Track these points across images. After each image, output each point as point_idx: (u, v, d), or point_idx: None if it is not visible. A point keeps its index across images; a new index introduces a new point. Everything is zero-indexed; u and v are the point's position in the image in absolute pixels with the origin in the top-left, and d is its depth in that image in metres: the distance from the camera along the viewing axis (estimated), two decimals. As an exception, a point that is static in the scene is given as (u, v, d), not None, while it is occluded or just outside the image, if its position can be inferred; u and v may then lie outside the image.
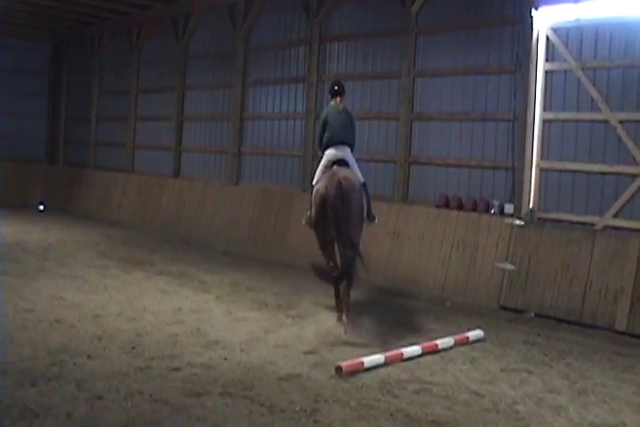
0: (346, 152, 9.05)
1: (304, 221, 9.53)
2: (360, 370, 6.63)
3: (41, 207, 21.09)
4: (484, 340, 8.18)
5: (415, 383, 6.44)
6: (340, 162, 8.94)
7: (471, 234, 10.79)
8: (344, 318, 8.34)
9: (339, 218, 8.19)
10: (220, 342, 7.38)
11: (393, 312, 9.51)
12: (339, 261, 8.59)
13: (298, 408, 5.61)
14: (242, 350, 7.14)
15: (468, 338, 8.09)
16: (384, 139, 12.86)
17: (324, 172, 8.96)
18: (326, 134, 9.13)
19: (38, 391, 5.63)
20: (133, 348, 7.00)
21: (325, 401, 5.82)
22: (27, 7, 19.82)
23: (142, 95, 19.58)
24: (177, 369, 6.39)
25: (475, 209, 11.11)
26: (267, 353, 7.13)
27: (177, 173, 17.79)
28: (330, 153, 9.05)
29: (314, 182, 9.13)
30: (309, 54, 14.21)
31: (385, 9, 12.88)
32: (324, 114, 9.36)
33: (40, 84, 24.03)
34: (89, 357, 6.61)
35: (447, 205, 11.50)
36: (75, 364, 6.37)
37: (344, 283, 8.44)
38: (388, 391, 6.16)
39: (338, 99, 9.37)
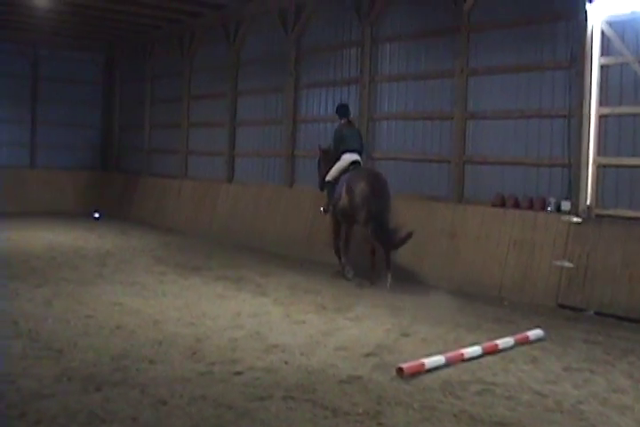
0: (358, 157, 12.10)
1: (322, 210, 12.49)
2: (421, 371, 6.60)
3: (96, 215, 21.41)
4: (544, 339, 8.10)
5: (477, 384, 6.40)
6: (357, 163, 12.04)
7: (528, 232, 10.69)
8: (388, 275, 11.03)
9: (378, 205, 11.05)
10: (279, 346, 7.41)
11: (451, 313, 9.46)
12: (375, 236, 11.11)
13: (361, 411, 5.61)
14: (302, 354, 7.16)
15: (528, 337, 8.00)
16: (438, 139, 12.81)
17: (345, 171, 11.87)
18: (343, 144, 12.10)
19: (103, 397, 5.71)
20: (194, 353, 7.06)
21: (388, 403, 5.82)
22: (80, 19, 20.22)
23: (194, 102, 19.78)
24: (239, 373, 6.43)
25: (531, 207, 11.00)
26: (327, 356, 7.14)
27: (231, 177, 17.92)
28: (347, 157, 12.04)
29: (329, 179, 12.11)
30: (361, 56, 14.22)
31: (436, 8, 12.83)
32: (339, 129, 12.43)
33: (94, 94, 24.47)
34: (151, 362, 6.69)
35: (503, 203, 11.40)
36: (137, 369, 6.45)
37: (385, 249, 11.17)
38: (450, 393, 6.13)
39: (345, 119, 12.51)
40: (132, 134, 23.15)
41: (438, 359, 6.87)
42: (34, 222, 19.27)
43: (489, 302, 10.40)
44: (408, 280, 11.71)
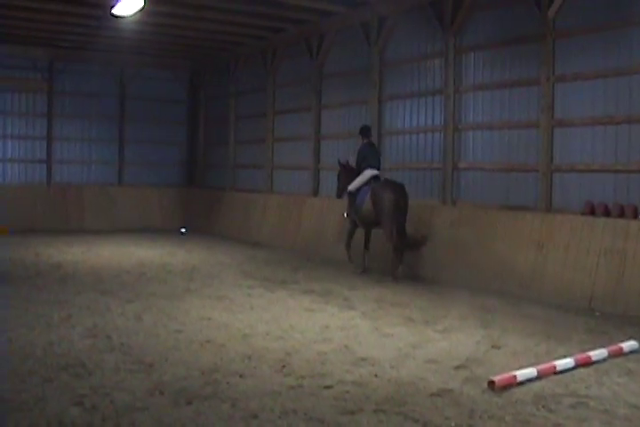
0: (377, 172, 13.83)
1: (345, 214, 14.28)
2: (513, 384, 6.50)
3: (183, 230, 21.76)
4: (639, 351, 7.91)
5: (571, 397, 6.26)
6: (378, 177, 13.76)
7: (619, 241, 10.42)
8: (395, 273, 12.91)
9: (400, 211, 12.93)
10: (368, 359, 7.39)
11: (541, 324, 9.31)
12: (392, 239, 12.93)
13: (453, 424, 5.55)
14: (391, 367, 7.12)
15: (622, 349, 7.80)
16: (524, 147, 12.65)
17: (367, 183, 13.61)
18: (365, 161, 13.83)
19: (195, 410, 5.77)
20: (284, 366, 7.10)
21: (480, 417, 5.74)
22: (164, 38, 20.69)
23: (279, 116, 19.97)
24: (328, 387, 6.43)
25: (622, 215, 10.73)
26: (417, 369, 7.09)
27: (316, 191, 18.01)
28: (368, 172, 13.74)
29: (351, 189, 13.86)
30: (445, 66, 14.16)
31: (520, 15, 12.69)
32: (362, 148, 14.02)
33: (179, 112, 25.01)
34: (241, 376, 6.74)
35: (592, 212, 11.14)
36: (228, 383, 6.50)
37: (398, 252, 13.01)
38: (543, 406, 6.01)
39: (367, 139, 14.12)
40: (218, 150, 23.49)
41: (530, 372, 6.75)
42: (122, 238, 19.74)
43: (579, 313, 10.19)
44: (495, 291, 11.59)
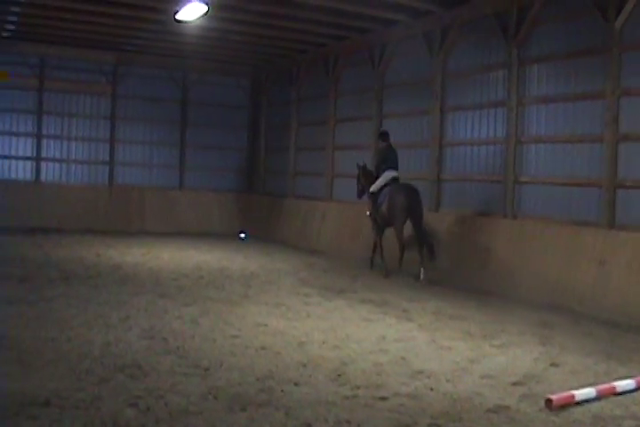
0: (396, 173, 14.88)
1: (368, 213, 15.27)
2: (571, 404, 6.37)
3: (242, 236, 21.87)
4: None
5: (631, 420, 6.10)
6: (397, 178, 14.83)
7: (685, 260, 10.21)
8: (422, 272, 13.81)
9: (417, 210, 14.05)
10: (425, 372, 7.32)
11: (601, 343, 9.15)
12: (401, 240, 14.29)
13: (509, 442, 5.48)
14: (448, 381, 7.04)
15: (686, 372, 7.63)
16: (587, 162, 12.44)
17: (387, 184, 14.65)
18: (385, 163, 14.90)
19: (248, 417, 5.76)
20: (339, 376, 7.06)
21: (537, 436, 5.66)
22: (227, 44, 20.87)
23: (340, 125, 19.96)
24: (383, 399, 6.37)
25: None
26: (473, 384, 7.00)
27: (375, 200, 17.95)
28: (388, 173, 14.82)
29: (373, 190, 14.90)
30: (508, 77, 14.01)
31: (586, 26, 12.48)
32: (382, 150, 15.20)
33: (241, 118, 25.17)
34: (296, 384, 6.72)
35: (659, 229, 10.96)
36: (282, 391, 6.49)
37: (424, 248, 14.04)
38: (602, 427, 5.91)
39: (386, 143, 15.14)
40: (278, 157, 23.57)
41: (589, 392, 6.61)
42: (182, 242, 19.92)
43: (643, 332, 10.00)
44: (554, 307, 11.43)
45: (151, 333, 8.63)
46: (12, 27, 19.93)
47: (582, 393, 6.55)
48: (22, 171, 22.41)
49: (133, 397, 6.10)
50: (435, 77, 15.97)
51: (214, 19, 16.92)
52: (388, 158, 15.04)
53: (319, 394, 6.46)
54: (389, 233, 14.86)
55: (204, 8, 15.18)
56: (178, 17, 16.15)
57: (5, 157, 22.18)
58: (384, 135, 15.40)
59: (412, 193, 14.15)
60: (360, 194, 15.78)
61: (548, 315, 10.86)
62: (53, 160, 22.75)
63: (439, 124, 15.85)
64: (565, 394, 6.47)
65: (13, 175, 22.29)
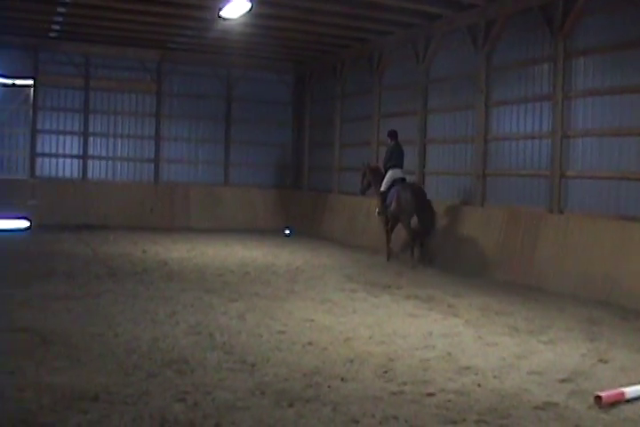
0: (400, 172, 16.00)
1: (377, 211, 16.45)
2: (620, 401, 6.27)
3: (287, 232, 21.91)
4: None
5: (684, 418, 6.04)
6: (404, 179, 15.97)
7: None
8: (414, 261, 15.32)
9: (424, 207, 15.52)
10: (472, 368, 7.27)
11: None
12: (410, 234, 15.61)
13: (558, 439, 5.42)
14: (495, 377, 6.98)
15: None
16: (636, 155, 12.21)
17: (393, 183, 15.79)
18: (390, 161, 16.02)
19: (296, 412, 5.77)
20: (385, 372, 7.04)
21: (586, 433, 5.59)
22: (271, 41, 20.92)
23: (384, 120, 19.89)
24: (430, 395, 6.34)
25: None
26: (520, 380, 6.93)
27: (420, 196, 17.87)
28: (394, 171, 15.94)
29: (383, 188, 15.95)
30: (554, 70, 13.85)
31: (633, 17, 12.26)
32: (390, 148, 16.20)
33: (285, 113, 25.22)
34: (343, 380, 6.71)
35: None
36: (329, 386, 6.49)
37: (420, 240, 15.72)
38: (653, 426, 5.82)
39: (394, 141, 16.21)
40: (322, 153, 23.56)
41: (639, 389, 6.53)
42: (227, 238, 20.02)
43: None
44: (602, 302, 11.29)
45: (198, 328, 8.68)
46: (57, 27, 20.19)
47: (633, 391, 6.44)
48: (69, 169, 22.72)
49: (181, 392, 6.15)
50: (479, 71, 15.84)
51: (258, 15, 16.96)
52: (393, 156, 16.09)
53: (366, 390, 6.45)
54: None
55: (248, 5, 15.23)
56: (222, 14, 16.23)
57: (53, 156, 22.51)
58: (392, 134, 16.43)
59: (417, 192, 15.55)
60: (363, 190, 17.24)
61: (595, 311, 10.73)
62: (100, 158, 23.02)
63: (484, 118, 15.72)
64: (615, 391, 6.38)
65: (61, 173, 22.62)
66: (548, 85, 14.12)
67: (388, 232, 16.39)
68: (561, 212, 13.56)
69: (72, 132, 22.71)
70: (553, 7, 13.77)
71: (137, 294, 10.87)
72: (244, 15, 16.20)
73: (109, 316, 9.23)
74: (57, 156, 22.59)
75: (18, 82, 21.96)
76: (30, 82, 22.03)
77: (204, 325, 8.89)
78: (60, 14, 18.45)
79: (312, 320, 9.43)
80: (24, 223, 20.77)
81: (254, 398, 6.08)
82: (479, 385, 6.70)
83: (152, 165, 23.48)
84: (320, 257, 16.50)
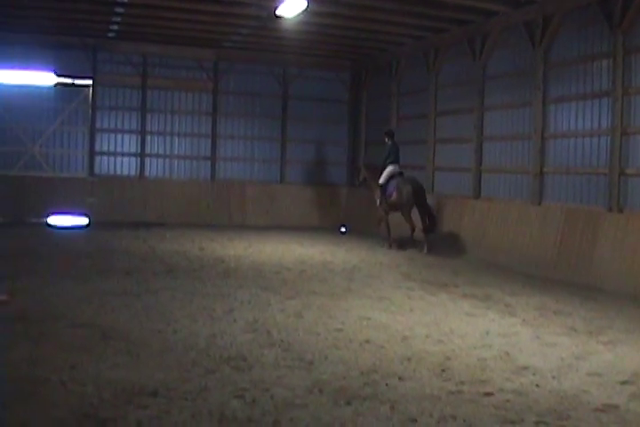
0: (398, 168, 17.96)
1: (378, 203, 18.21)
2: (682, 405, 6.19)
3: (343, 230, 21.91)
4: None
5: None
6: (402, 172, 17.95)
7: None
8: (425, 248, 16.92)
9: (423, 199, 17.17)
10: (530, 368, 7.20)
11: None
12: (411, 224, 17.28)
13: (620, 442, 5.35)
14: (553, 377, 6.91)
15: None
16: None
17: (392, 177, 17.76)
18: (389, 158, 17.96)
19: (354, 410, 5.77)
20: (443, 371, 7.02)
21: (649, 437, 5.50)
22: (327, 39, 20.95)
23: (441, 118, 19.80)
24: (488, 394, 6.30)
25: None
26: (580, 381, 6.84)
27: (477, 194, 17.74)
28: (393, 167, 17.90)
29: (381, 181, 17.89)
30: (613, 67, 13.64)
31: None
32: (388, 147, 18.18)
33: (341, 112, 25.17)
34: (400, 378, 6.71)
35: None
36: (387, 385, 6.48)
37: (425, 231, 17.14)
38: None
39: (391, 140, 18.26)
40: (378, 151, 23.41)
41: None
42: (283, 235, 20.11)
43: None
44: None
45: (255, 325, 8.74)
46: (115, 27, 20.46)
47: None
48: (127, 167, 23.01)
49: (239, 389, 6.20)
50: (536, 68, 15.66)
51: (314, 13, 16.96)
52: (391, 154, 18.03)
53: (424, 389, 6.44)
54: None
55: (304, 3, 15.25)
56: (277, 13, 16.27)
57: (112, 154, 22.82)
58: (390, 133, 18.50)
59: (416, 185, 17.22)
60: (359, 183, 19.82)
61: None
62: (157, 156, 23.28)
63: (541, 115, 15.54)
64: (677, 394, 6.28)
65: (119, 171, 22.92)
66: (607, 82, 13.91)
67: (387, 221, 18.15)
68: (620, 210, 13.35)
69: (130, 131, 22.99)
70: (612, 2, 13.54)
71: (194, 290, 10.97)
72: (300, 13, 16.21)
73: (167, 312, 9.33)
74: (115, 154, 22.89)
75: (77, 82, 22.35)
76: (89, 81, 22.37)
77: (262, 322, 8.95)
78: (118, 14, 18.69)
79: (369, 318, 9.43)
80: (83, 220, 21.08)
81: (312, 396, 6.10)
82: (537, 386, 6.63)
83: (208, 163, 23.65)
84: (376, 255, 16.48)
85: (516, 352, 7.88)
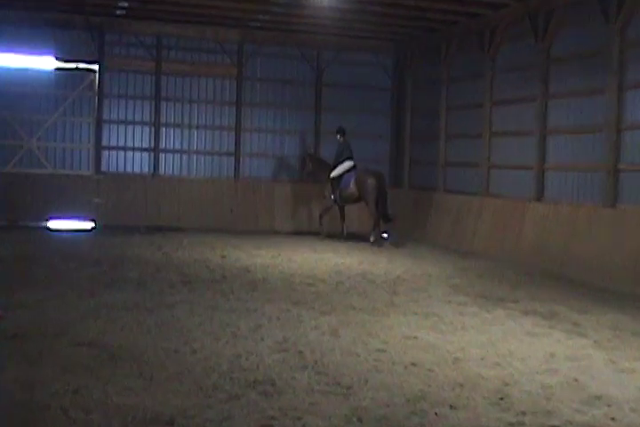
0: (352, 162, 21.02)
1: (332, 197, 21.08)
2: None
3: (385, 235, 21.86)
4: None
5: None
6: (355, 166, 20.93)
7: None
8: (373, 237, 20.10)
9: (384, 192, 20.27)
10: (603, 398, 7.10)
11: None
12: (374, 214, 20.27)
13: None
14: (632, 410, 6.79)
15: None
16: None
17: (348, 171, 20.76)
18: (343, 155, 21.02)
19: (399, 443, 5.77)
20: (501, 399, 6.96)
21: None
22: (366, 17, 20.85)
23: (498, 107, 19.66)
24: (554, 428, 6.26)
25: None
26: (663, 414, 6.77)
27: (540, 195, 17.59)
28: (347, 163, 20.92)
29: (334, 175, 20.87)
30: None
31: None
32: (341, 145, 21.31)
33: (383, 101, 25.12)
34: (452, 407, 6.66)
35: None
36: (436, 414, 6.44)
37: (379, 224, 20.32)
38: None
39: (343, 137, 21.38)
40: (426, 145, 23.44)
41: None
42: (316, 242, 20.12)
43: None
44: None
45: (285, 345, 8.74)
46: (125, 4, 20.47)
47: None
48: (139, 163, 23.11)
49: (267, 417, 6.19)
50: (611, 49, 15.51)
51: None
52: (345, 151, 21.10)
53: (479, 419, 6.39)
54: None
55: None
56: (311, -13, 16.32)
57: (121, 149, 22.91)
58: (341, 131, 21.35)
59: (379, 177, 20.35)
60: (305, 176, 22.54)
61: None
62: (173, 151, 23.35)
63: (616, 103, 15.37)
64: None
65: (129, 168, 23.01)
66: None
67: (328, 213, 21.57)
68: None
69: (142, 122, 23.08)
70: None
71: (216, 304, 10.99)
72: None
73: (185, 329, 9.35)
74: (125, 149, 23.00)
75: (81, 66, 22.38)
76: (95, 66, 22.44)
77: (293, 341, 8.94)
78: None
79: (415, 337, 9.39)
80: (88, 224, 21.24)
81: (350, 426, 6.07)
82: (613, 419, 6.54)
83: (232, 160, 23.69)
84: (423, 265, 16.44)
85: (586, 379, 7.78)
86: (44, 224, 20.93)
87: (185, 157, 23.44)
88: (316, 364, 7.94)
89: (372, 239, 19.99)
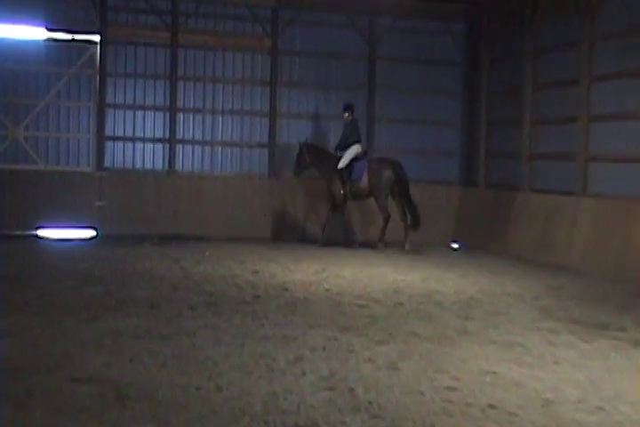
0: (361, 147, 21.56)
1: (343, 193, 21.23)
2: None
3: (455, 246, 21.87)
4: None
5: None
6: (366, 153, 21.83)
7: None
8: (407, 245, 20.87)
9: (406, 187, 20.99)
10: None
11: None
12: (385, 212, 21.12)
13: None
14: None
15: None
16: None
17: (356, 159, 21.16)
18: (351, 137, 21.29)
19: None
20: (607, 452, 6.92)
21: None
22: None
23: (599, 84, 19.47)
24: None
25: None
26: None
27: (655, 194, 17.46)
28: (356, 147, 21.31)
29: (342, 165, 21.09)
30: None
31: None
32: (348, 124, 21.56)
33: (452, 78, 25.30)
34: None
35: None
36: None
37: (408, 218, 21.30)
38: None
39: (351, 115, 21.57)
40: (507, 134, 23.34)
41: None
42: (368, 254, 20.16)
43: None
44: None
45: (332, 381, 8.72)
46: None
47: None
48: (151, 157, 23.31)
49: (311, 472, 6.19)
50: None
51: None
52: (353, 133, 21.39)
53: (575, 479, 6.35)
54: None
55: None
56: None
57: (129, 140, 23.10)
58: (349, 108, 21.66)
59: (396, 166, 20.77)
60: (299, 171, 22.24)
61: None
62: (192, 142, 23.58)
63: None
64: None
65: (139, 164, 23.21)
66: None
67: (332, 215, 21.87)
68: None
69: (154, 108, 23.31)
70: None
71: (246, 331, 11.02)
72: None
73: (209, 362, 9.37)
74: (133, 140, 23.25)
75: (78, 37, 22.49)
76: (96, 37, 22.59)
77: (341, 376, 8.93)
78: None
79: (494, 373, 9.33)
80: (88, 233, 21.39)
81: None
82: None
83: (265, 152, 23.86)
84: (503, 282, 16.40)
85: None
86: (33, 233, 21.10)
87: (207, 149, 23.62)
88: (371, 405, 7.90)
89: (406, 247, 20.76)
